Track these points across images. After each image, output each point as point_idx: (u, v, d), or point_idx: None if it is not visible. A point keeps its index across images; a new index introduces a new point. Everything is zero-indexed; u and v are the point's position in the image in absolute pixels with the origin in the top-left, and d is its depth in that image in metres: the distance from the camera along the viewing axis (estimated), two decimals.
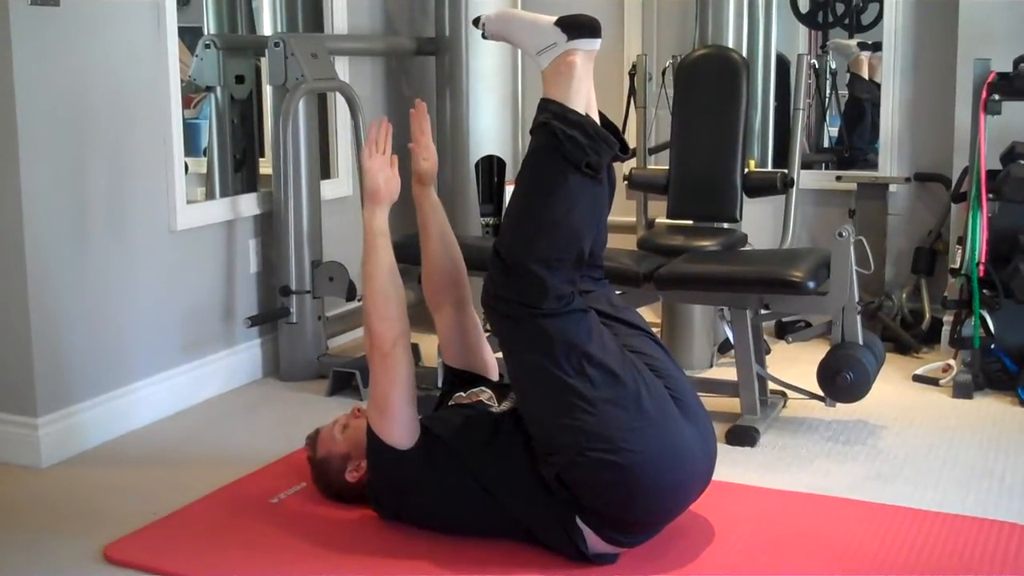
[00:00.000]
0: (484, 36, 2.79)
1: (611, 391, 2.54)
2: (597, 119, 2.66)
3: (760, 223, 4.68)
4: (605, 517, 2.59)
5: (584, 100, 2.63)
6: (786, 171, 4.18)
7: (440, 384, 3.21)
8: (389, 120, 2.94)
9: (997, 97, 4.02)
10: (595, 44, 2.63)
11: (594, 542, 2.61)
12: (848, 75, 5.29)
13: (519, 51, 4.88)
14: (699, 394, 2.79)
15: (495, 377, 3.10)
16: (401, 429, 2.75)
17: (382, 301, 2.78)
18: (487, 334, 3.19)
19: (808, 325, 4.57)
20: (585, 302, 2.65)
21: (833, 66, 5.55)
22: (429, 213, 3.07)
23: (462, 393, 2.99)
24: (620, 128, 2.73)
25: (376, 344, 2.77)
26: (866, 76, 5.28)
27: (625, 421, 2.53)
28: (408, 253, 3.98)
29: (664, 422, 2.58)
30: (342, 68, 4.67)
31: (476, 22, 2.78)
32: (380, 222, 2.84)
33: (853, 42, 5.02)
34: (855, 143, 5.11)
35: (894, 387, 4.12)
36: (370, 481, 2.86)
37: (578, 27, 2.60)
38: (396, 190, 2.90)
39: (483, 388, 2.99)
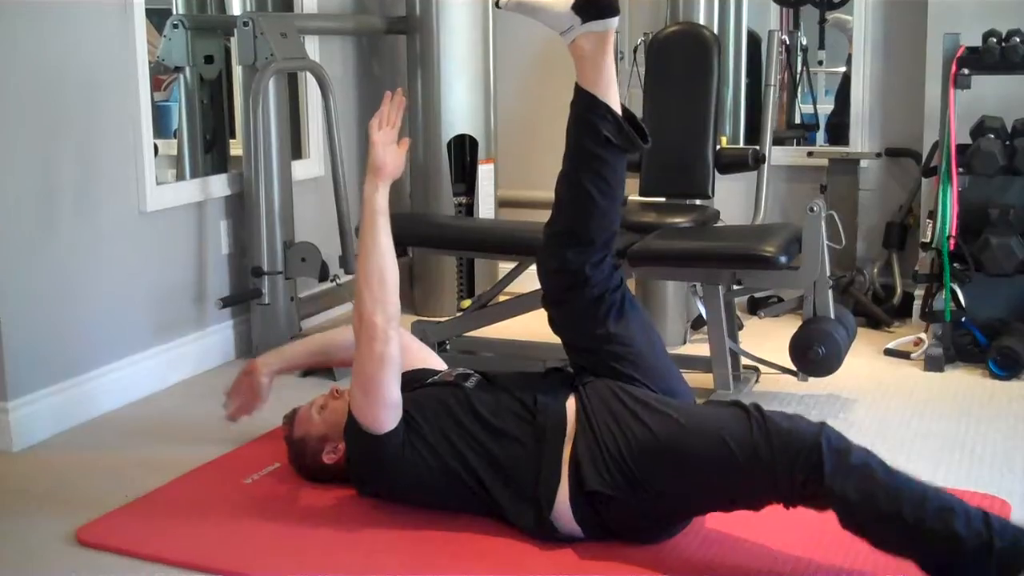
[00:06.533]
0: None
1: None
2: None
3: (732, 199, 4.70)
4: (609, 527, 2.60)
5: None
6: (757, 147, 4.19)
7: None
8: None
9: (966, 71, 4.04)
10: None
11: (568, 525, 2.60)
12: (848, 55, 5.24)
13: (490, 30, 4.88)
14: None
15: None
16: (385, 411, 2.68)
17: (376, 282, 2.68)
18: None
19: (780, 300, 4.58)
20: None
21: (804, 42, 5.55)
22: None
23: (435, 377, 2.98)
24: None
25: (366, 326, 2.67)
26: None
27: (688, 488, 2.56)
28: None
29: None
30: (312, 47, 4.64)
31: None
32: (382, 199, 2.75)
33: (850, 17, 4.99)
34: (847, 120, 5.09)
35: (866, 361, 4.14)
36: (349, 462, 2.84)
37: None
38: (401, 166, 2.82)
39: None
